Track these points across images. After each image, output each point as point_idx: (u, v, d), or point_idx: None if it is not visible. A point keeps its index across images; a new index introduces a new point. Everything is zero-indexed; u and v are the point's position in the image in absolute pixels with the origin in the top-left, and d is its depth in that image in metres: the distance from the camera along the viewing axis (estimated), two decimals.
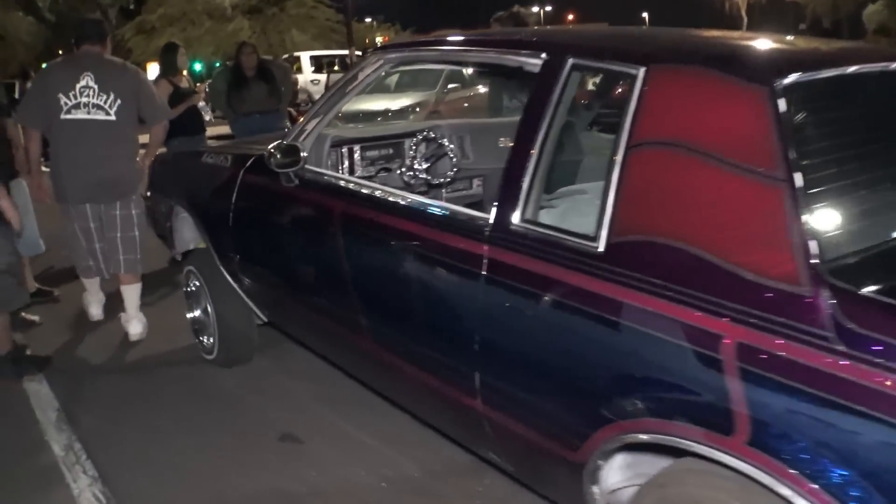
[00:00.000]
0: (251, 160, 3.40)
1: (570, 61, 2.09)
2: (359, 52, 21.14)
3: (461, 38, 2.60)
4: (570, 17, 59.32)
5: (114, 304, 4.82)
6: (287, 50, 25.38)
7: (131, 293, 4.57)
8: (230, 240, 3.57)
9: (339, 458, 3.10)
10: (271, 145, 3.16)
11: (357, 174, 3.45)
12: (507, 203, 2.12)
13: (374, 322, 2.68)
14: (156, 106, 4.57)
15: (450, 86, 13.11)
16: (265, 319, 3.80)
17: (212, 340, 3.99)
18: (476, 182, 3.80)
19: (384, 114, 11.74)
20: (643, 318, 1.73)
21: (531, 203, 2.09)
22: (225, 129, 8.55)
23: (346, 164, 3.42)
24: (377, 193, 2.66)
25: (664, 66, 1.89)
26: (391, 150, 3.60)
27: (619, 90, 2.78)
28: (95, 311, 4.87)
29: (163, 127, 4.64)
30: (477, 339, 2.15)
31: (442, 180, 3.21)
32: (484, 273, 2.12)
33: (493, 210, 2.16)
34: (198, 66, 27.36)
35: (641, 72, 1.90)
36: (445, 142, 3.17)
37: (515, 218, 2.09)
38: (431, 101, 12.84)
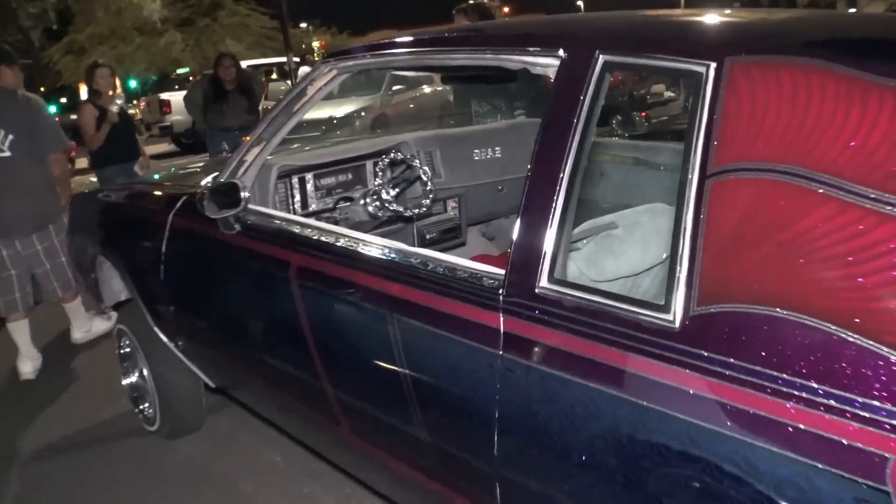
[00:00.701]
0: (181, 200, 2.80)
1: (601, 59, 1.53)
2: (296, 59, 20.43)
3: (438, 36, 2.02)
4: (506, 9, 58.99)
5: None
6: None
7: (75, 310, 4.71)
8: (163, 296, 2.97)
9: None
10: (204, 181, 2.57)
11: (312, 207, 2.86)
12: (526, 258, 1.56)
13: (350, 411, 2.10)
14: (47, 136, 4.26)
15: (394, 87, 12.60)
16: (212, 385, 3.20)
17: (152, 410, 3.39)
18: (451, 204, 3.24)
19: (329, 122, 11.17)
20: (750, 428, 1.18)
21: (560, 256, 1.53)
22: (161, 148, 7.97)
23: (298, 197, 2.83)
24: (343, 243, 2.07)
25: (751, 60, 1.34)
26: (350, 176, 3.01)
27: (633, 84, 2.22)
28: (26, 368, 4.40)
29: (57, 160, 4.38)
30: (496, 440, 1.59)
31: (417, 210, 2.64)
32: (501, 353, 1.56)
33: (508, 267, 1.59)
34: (133, 84, 26.60)
35: (712, 69, 1.35)
36: (416, 163, 2.59)
37: (540, 278, 1.52)
38: (377, 105, 12.33)
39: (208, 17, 27.92)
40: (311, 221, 2.26)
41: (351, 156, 2.95)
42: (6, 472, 3.36)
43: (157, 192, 3.14)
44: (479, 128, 3.48)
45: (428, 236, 3.17)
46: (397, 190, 2.66)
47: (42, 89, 23.92)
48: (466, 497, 1.76)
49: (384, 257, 1.92)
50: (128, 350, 3.50)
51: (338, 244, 2.07)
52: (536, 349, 1.49)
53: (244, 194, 2.35)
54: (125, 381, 3.56)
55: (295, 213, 2.82)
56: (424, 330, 1.75)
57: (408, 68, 2.41)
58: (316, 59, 22.45)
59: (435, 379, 1.76)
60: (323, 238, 2.12)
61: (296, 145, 3.55)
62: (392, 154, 2.55)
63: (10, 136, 4.04)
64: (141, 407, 3.50)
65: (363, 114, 12.29)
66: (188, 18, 27.78)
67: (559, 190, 1.51)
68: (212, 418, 3.52)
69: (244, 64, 9.84)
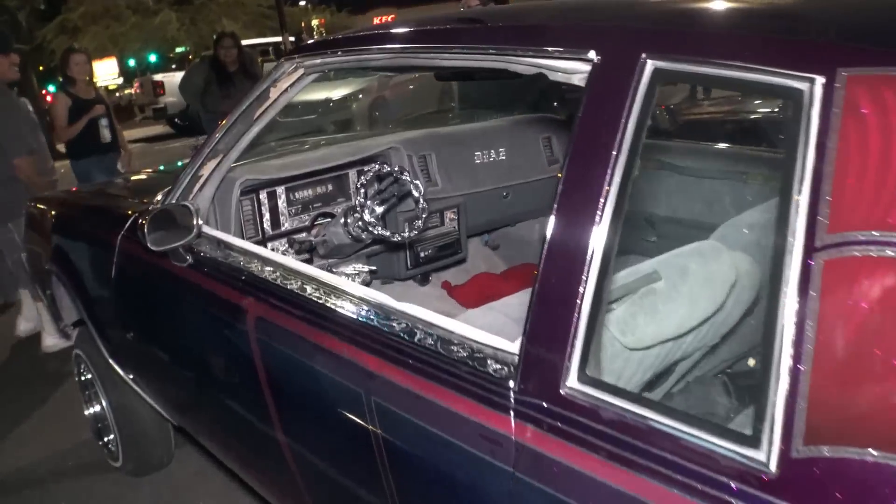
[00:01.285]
0: (130, 220, 2.37)
1: (649, 65, 1.10)
2: (292, 38, 19.84)
3: (428, 29, 1.57)
4: None
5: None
6: None
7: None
8: (116, 323, 2.57)
9: None
10: (151, 206, 2.16)
11: (285, 226, 2.44)
12: (546, 344, 1.13)
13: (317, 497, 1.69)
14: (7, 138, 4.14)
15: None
16: (174, 422, 2.80)
17: (115, 444, 2.99)
18: (449, 215, 2.80)
19: (325, 104, 10.64)
20: None
21: (595, 344, 1.10)
22: (155, 130, 7.50)
23: (268, 215, 2.40)
24: (312, 291, 1.63)
25: (880, 72, 0.91)
26: (330, 187, 2.58)
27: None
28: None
29: (20, 164, 4.20)
30: None
31: (407, 234, 2.21)
32: (511, 471, 1.14)
33: (521, 352, 1.17)
34: (131, 63, 26.18)
35: (818, 86, 0.92)
36: (406, 176, 2.16)
37: (566, 375, 1.10)
38: (375, 87, 11.79)
39: None
40: (274, 256, 1.82)
41: (330, 165, 2.51)
42: None
43: (109, 207, 2.72)
44: (479, 126, 3.03)
45: (423, 254, 2.75)
46: (383, 208, 2.24)
47: (41, 68, 23.41)
48: None
49: (361, 318, 1.48)
50: (87, 377, 3.10)
51: (305, 293, 1.63)
52: (561, 473, 1.07)
53: (196, 221, 1.93)
54: (87, 412, 3.18)
55: (264, 234, 2.40)
56: (408, 422, 1.32)
57: (390, 69, 1.95)
58: (315, 37, 21.92)
59: (422, 488, 1.34)
60: (288, 283, 1.69)
61: (273, 142, 3.13)
62: (377, 166, 2.12)
63: None
64: (105, 440, 3.11)
65: (360, 96, 11.76)
66: None
67: (592, 253, 1.09)
68: (182, 454, 3.12)
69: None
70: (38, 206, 3.31)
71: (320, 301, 1.58)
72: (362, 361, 1.43)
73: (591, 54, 1.19)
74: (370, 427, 1.41)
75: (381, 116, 10.51)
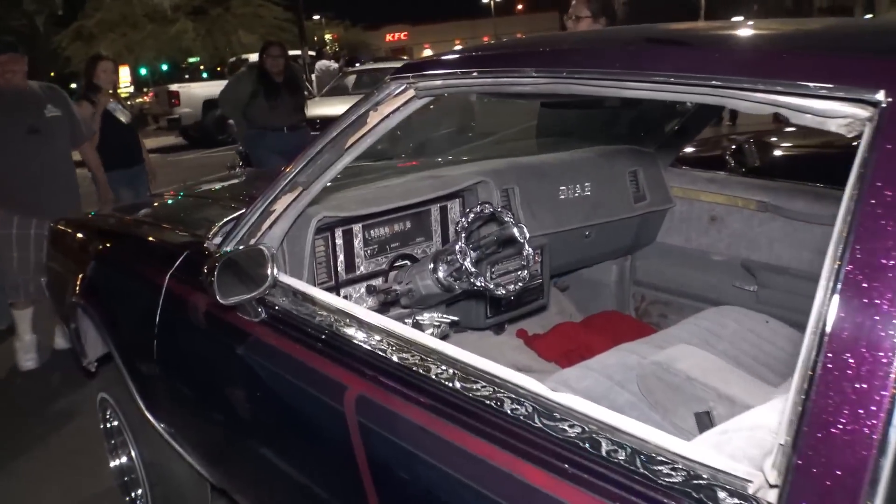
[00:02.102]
0: (182, 258, 2.05)
1: None
2: (312, 52, 19.61)
3: (605, 51, 1.24)
4: (520, 6, 57.56)
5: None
6: (234, 52, 23.88)
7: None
8: (155, 373, 2.24)
9: None
10: (215, 236, 1.84)
11: (360, 270, 2.11)
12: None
13: None
14: None
15: None
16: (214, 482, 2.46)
17: (146, 501, 2.65)
18: (533, 256, 2.47)
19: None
20: None
21: None
22: (168, 140, 7.11)
23: (342, 257, 2.07)
24: (440, 372, 1.29)
25: None
26: (409, 224, 2.26)
27: None
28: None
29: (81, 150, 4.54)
30: None
31: (513, 286, 1.88)
32: None
33: (786, 490, 0.83)
34: (143, 71, 26.18)
35: None
36: (509, 218, 1.84)
37: None
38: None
39: (220, 6, 27.21)
40: (379, 320, 1.48)
41: (414, 201, 2.18)
42: None
43: (152, 237, 2.39)
44: (564, 156, 2.71)
45: (504, 301, 2.42)
46: (478, 253, 1.91)
47: (52, 74, 23.28)
48: None
49: (509, 413, 1.15)
50: (114, 424, 2.76)
51: (429, 371, 1.30)
52: None
53: (271, 271, 1.60)
54: (112, 463, 2.84)
55: (338, 279, 2.07)
56: None
57: (535, 96, 1.62)
58: (331, 52, 21.72)
59: None
60: (399, 354, 1.36)
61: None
62: (479, 207, 1.79)
63: None
64: (133, 495, 2.77)
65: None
66: (200, 7, 27.11)
67: None
68: None
69: (253, 57, 9.09)
70: (66, 227, 3.00)
71: (449, 386, 1.24)
72: (510, 468, 1.10)
73: (880, 96, 0.87)
74: None
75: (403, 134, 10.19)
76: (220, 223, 2.07)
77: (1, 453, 3.45)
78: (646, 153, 2.85)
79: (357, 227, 2.10)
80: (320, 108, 10.22)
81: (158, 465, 2.55)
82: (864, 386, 0.79)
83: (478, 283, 1.82)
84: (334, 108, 9.66)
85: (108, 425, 2.82)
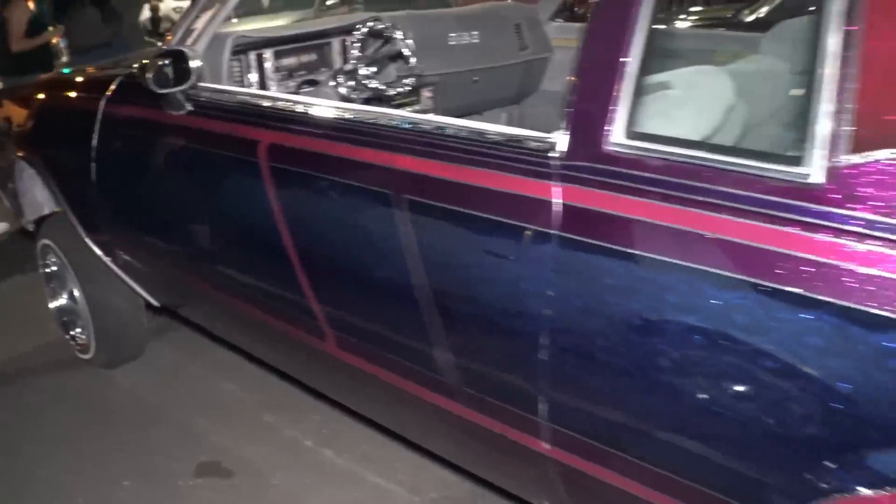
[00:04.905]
0: (115, 84, 2.34)
1: None
2: None
3: None
4: None
5: None
6: None
7: None
8: (95, 201, 2.53)
9: (306, 486, 2.25)
10: (145, 58, 2.13)
11: (272, 90, 2.44)
12: (590, 107, 1.20)
13: (341, 322, 1.73)
14: None
15: (328, 2, 11.95)
16: (156, 303, 2.79)
17: (86, 335, 2.96)
18: (426, 94, 2.83)
19: None
20: None
21: (641, 100, 1.17)
22: None
23: (255, 76, 2.39)
24: (333, 114, 1.66)
25: None
26: (314, 56, 2.58)
27: None
28: None
29: None
30: (545, 348, 1.25)
31: (400, 90, 2.24)
32: (555, 232, 1.21)
33: (568, 125, 1.23)
34: None
35: None
36: (398, 34, 2.18)
37: (613, 132, 1.16)
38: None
39: None
40: (285, 95, 1.84)
41: (318, 29, 2.50)
42: None
43: (81, 79, 2.65)
44: (456, 10, 3.05)
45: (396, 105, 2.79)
46: (374, 68, 2.26)
47: None
48: (500, 419, 1.43)
49: (388, 124, 1.53)
50: (54, 269, 3.04)
51: (327, 115, 1.66)
52: (607, 221, 1.14)
53: (194, 63, 1.92)
54: (52, 304, 3.12)
55: None
56: (446, 211, 1.38)
57: None
58: None
59: (459, 270, 1.40)
60: (306, 109, 1.71)
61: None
62: (370, 24, 2.13)
63: None
64: (72, 332, 3.07)
65: None
66: None
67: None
68: (153, 345, 3.12)
69: None
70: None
71: (344, 117, 1.61)
72: (393, 164, 1.47)
73: None
74: (401, 225, 1.45)
75: None
76: (154, 50, 2.35)
77: None
78: (528, 8, 3.22)
79: (268, 53, 2.41)
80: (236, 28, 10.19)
81: (98, 295, 2.84)
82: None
83: (371, 86, 2.17)
84: (249, 26, 9.67)
85: (48, 270, 3.09)
